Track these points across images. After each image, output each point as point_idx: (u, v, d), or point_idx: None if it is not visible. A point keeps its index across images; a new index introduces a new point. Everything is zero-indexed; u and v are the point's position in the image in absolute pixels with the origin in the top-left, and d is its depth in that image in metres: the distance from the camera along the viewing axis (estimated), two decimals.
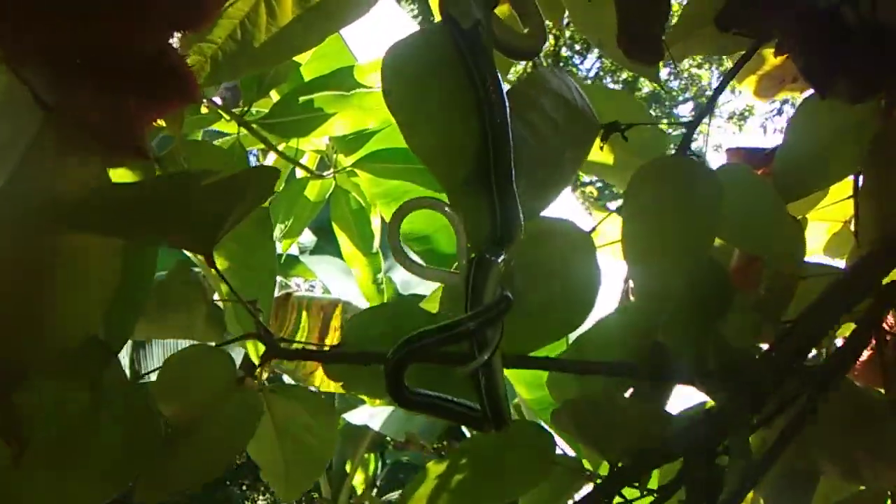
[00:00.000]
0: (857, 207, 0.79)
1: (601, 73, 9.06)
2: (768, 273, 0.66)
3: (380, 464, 3.79)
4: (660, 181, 0.53)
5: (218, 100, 1.01)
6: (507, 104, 0.45)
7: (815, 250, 0.91)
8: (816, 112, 0.66)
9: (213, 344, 0.43)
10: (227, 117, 1.13)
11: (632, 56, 0.50)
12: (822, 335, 0.51)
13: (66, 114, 0.34)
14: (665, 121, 0.65)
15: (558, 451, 0.61)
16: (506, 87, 0.51)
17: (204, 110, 0.97)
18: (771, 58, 0.73)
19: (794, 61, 0.58)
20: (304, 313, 3.43)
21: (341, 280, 2.80)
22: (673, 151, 0.63)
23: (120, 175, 0.38)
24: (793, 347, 0.50)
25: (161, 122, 0.42)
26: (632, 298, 0.70)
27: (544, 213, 0.59)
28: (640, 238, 0.52)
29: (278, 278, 3.86)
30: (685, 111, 9.22)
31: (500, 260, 0.42)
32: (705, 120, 0.66)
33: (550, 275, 0.56)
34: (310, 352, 0.45)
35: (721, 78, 0.67)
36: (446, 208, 0.45)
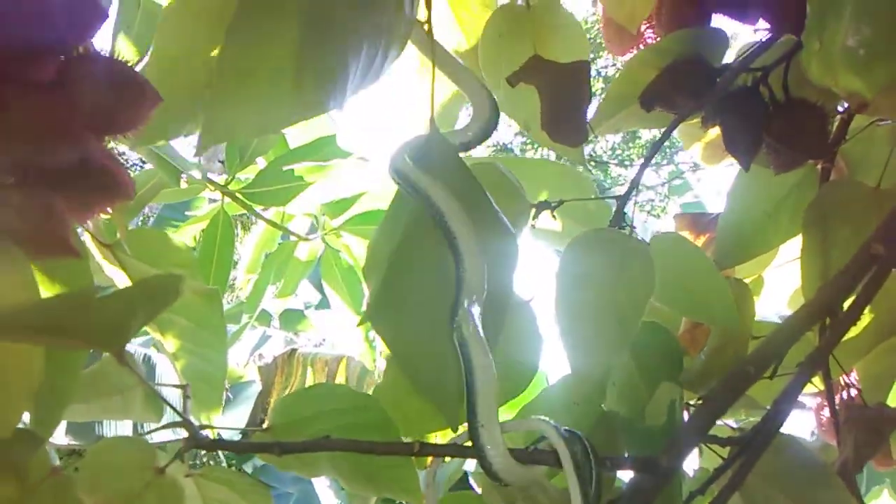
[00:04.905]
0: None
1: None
2: (715, 335, 0.67)
3: None
4: (589, 253, 0.55)
5: (197, 174, 1.05)
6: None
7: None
8: (754, 179, 0.68)
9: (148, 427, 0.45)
10: (213, 187, 1.17)
11: (555, 138, 0.53)
12: (733, 401, 0.52)
13: None
14: (593, 196, 0.67)
15: None
16: None
17: (183, 185, 1.02)
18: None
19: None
20: (310, 369, 3.43)
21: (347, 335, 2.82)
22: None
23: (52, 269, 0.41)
24: (702, 420, 0.52)
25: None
26: None
27: None
28: (569, 309, 0.54)
29: (285, 334, 3.84)
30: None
31: None
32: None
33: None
34: (230, 443, 0.47)
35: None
36: None
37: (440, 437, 0.59)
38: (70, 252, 0.39)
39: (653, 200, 8.60)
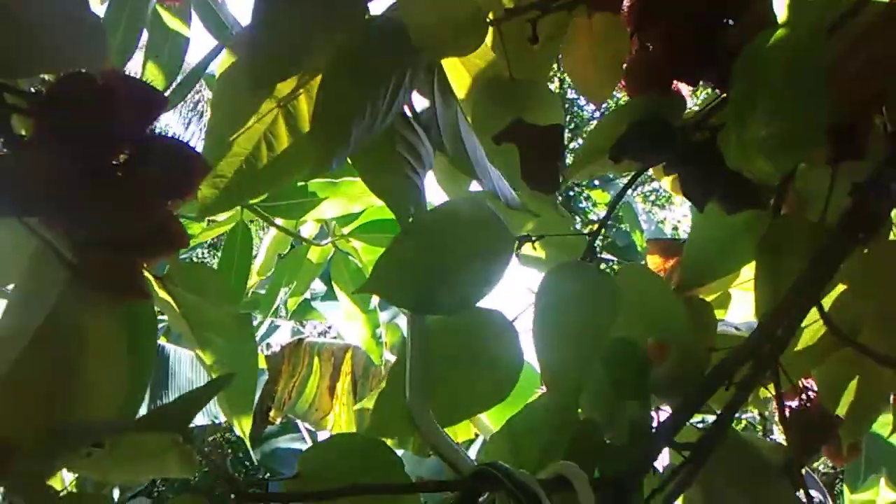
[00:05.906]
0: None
1: None
2: (675, 351, 0.77)
3: None
4: (563, 282, 0.65)
5: None
6: None
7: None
8: (713, 213, 0.78)
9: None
10: None
11: (532, 187, 0.63)
12: (689, 418, 0.62)
13: (85, 270, 0.47)
14: (570, 233, 0.76)
15: None
16: None
17: None
18: None
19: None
20: (316, 358, 3.53)
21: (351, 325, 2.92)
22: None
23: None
24: (659, 439, 0.61)
25: None
26: None
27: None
28: (544, 332, 0.64)
29: (292, 324, 3.90)
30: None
31: None
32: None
33: (479, 356, 0.68)
34: (272, 494, 0.56)
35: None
36: None
37: None
38: (143, 297, 0.49)
39: (657, 190, 8.67)
